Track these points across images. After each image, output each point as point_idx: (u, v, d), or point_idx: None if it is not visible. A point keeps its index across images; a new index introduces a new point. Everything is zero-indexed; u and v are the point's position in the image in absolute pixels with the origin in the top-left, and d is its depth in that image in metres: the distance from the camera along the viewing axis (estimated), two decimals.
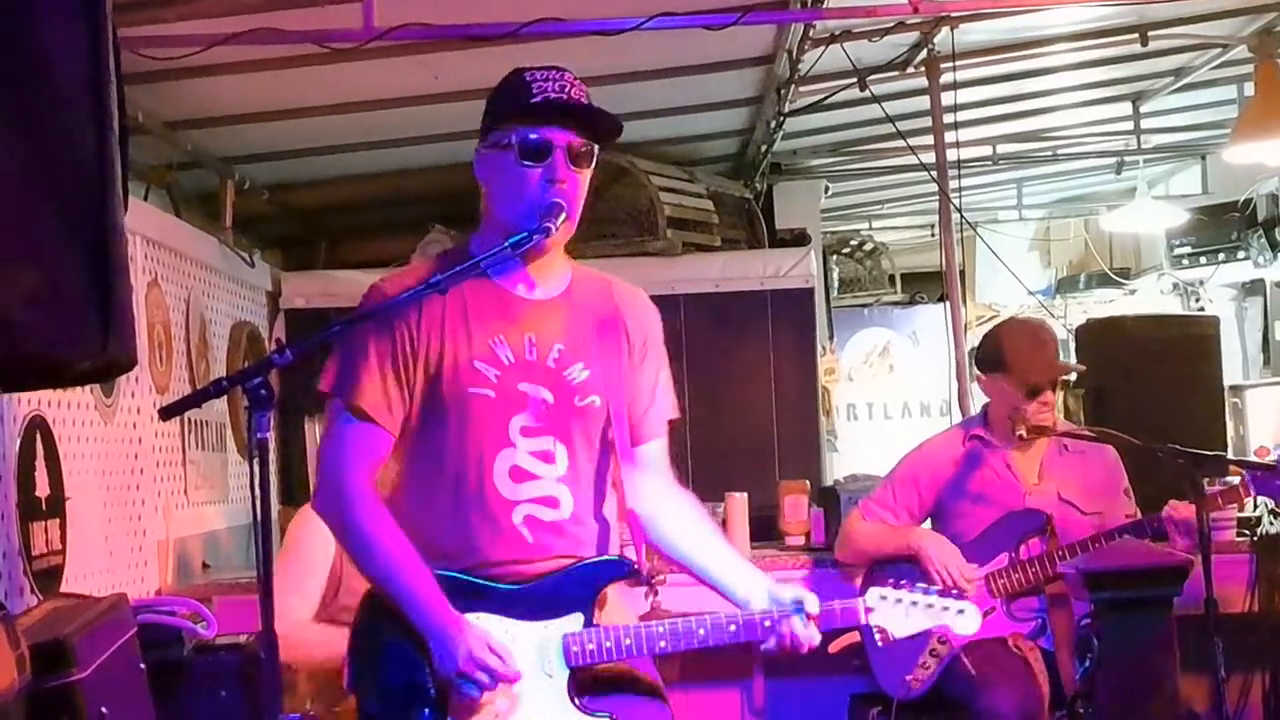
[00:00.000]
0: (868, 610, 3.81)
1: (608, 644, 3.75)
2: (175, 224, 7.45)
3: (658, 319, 4.07)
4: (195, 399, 3.59)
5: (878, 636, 5.91)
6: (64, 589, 5.36)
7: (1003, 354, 6.24)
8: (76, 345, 3.21)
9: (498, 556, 3.82)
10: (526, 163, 3.82)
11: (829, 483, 8.15)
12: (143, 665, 3.85)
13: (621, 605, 4.00)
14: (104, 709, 3.46)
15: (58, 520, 5.50)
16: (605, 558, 3.85)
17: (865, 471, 7.95)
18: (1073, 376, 6.16)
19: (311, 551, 5.27)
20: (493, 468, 3.82)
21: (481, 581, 3.80)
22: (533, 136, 3.81)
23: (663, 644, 3.75)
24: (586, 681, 3.81)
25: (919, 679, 5.96)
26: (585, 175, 3.88)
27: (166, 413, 3.55)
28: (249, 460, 3.32)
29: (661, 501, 3.97)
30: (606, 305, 3.99)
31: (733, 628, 3.73)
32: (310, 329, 8.50)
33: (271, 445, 3.31)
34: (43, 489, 5.40)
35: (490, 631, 3.73)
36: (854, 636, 6.14)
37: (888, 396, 12.72)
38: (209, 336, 7.68)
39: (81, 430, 5.88)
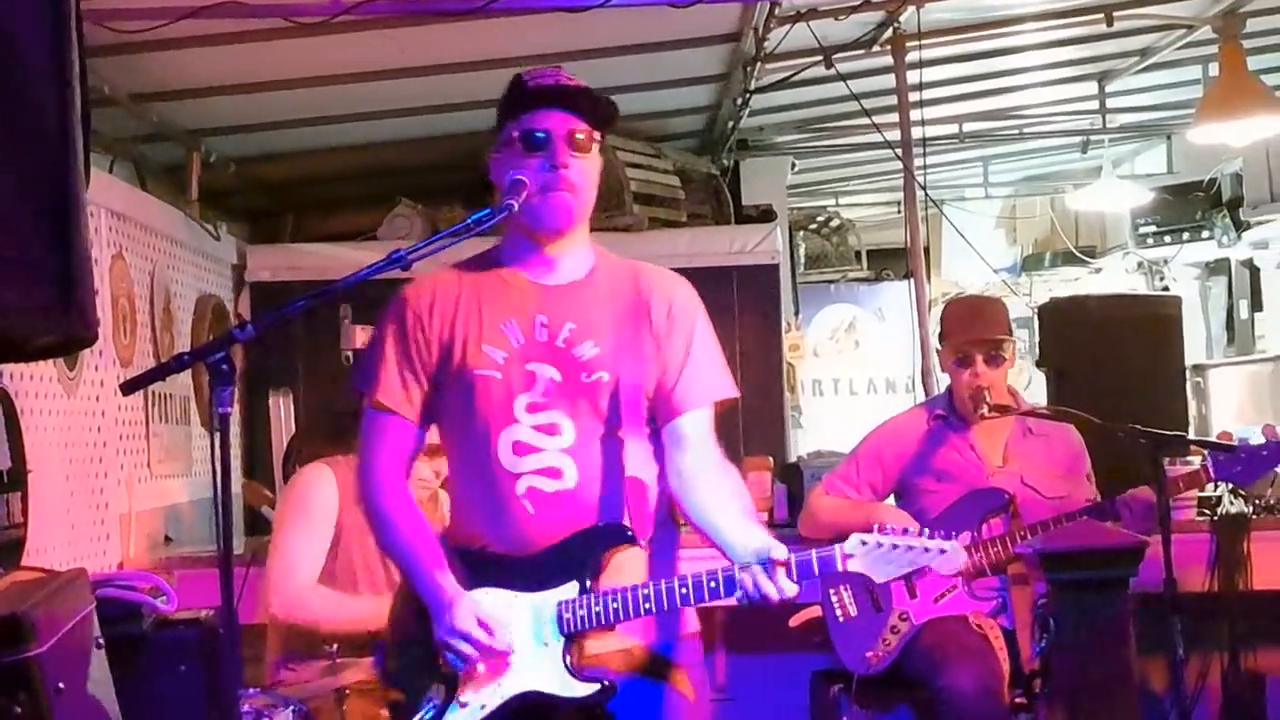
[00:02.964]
0: (846, 557, 3.74)
1: (597, 609, 3.77)
2: (140, 197, 7.44)
3: (689, 296, 4.06)
4: (157, 373, 3.60)
5: (837, 611, 5.98)
6: (25, 562, 5.35)
7: (943, 325, 6.41)
8: (37, 319, 3.21)
9: (503, 529, 3.89)
10: (530, 152, 3.87)
11: (793, 459, 8.17)
12: (101, 640, 3.83)
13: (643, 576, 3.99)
14: (61, 684, 3.45)
15: (19, 493, 5.49)
16: (602, 525, 3.85)
17: (830, 448, 7.96)
18: (1007, 350, 6.10)
19: (314, 514, 5.35)
20: (497, 443, 3.88)
21: (490, 555, 3.89)
22: (532, 125, 3.88)
23: (648, 606, 3.75)
24: (587, 653, 3.84)
25: (880, 655, 5.96)
26: (589, 160, 3.93)
27: (129, 387, 3.55)
28: (211, 434, 3.31)
29: (690, 476, 3.94)
30: (629, 287, 4.01)
31: (713, 584, 3.69)
32: (275, 302, 8.52)
33: (235, 419, 3.33)
34: (4, 462, 5.38)
35: (495, 604, 3.81)
36: (815, 612, 6.17)
37: (853, 373, 12.77)
38: (174, 309, 7.67)
39: (44, 403, 5.88)
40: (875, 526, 3.76)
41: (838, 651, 6.12)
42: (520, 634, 3.81)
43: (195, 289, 8.16)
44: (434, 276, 4.00)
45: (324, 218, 9.61)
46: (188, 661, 4.29)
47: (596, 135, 3.95)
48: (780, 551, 3.65)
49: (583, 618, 3.79)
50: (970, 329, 6.22)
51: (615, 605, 3.77)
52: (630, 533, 3.86)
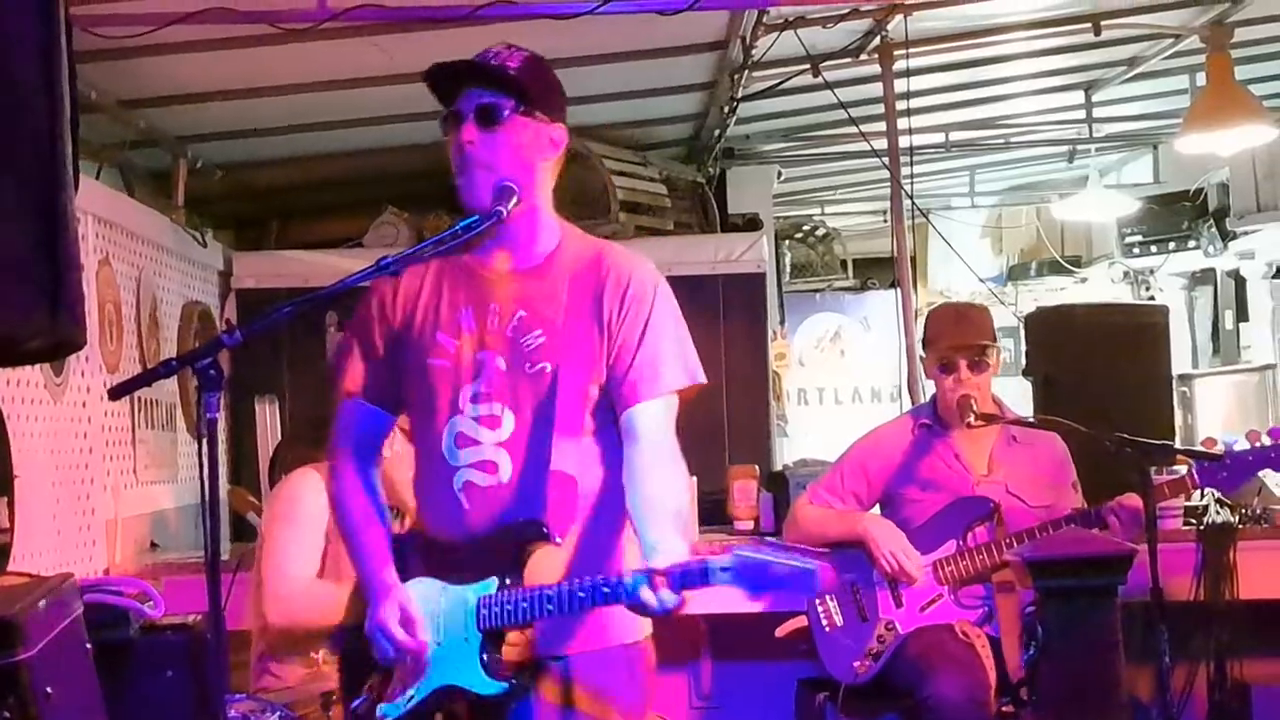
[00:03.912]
0: (723, 570, 3.48)
1: (509, 607, 3.74)
2: (127, 203, 7.44)
3: (650, 284, 3.94)
4: (144, 379, 3.60)
5: (823, 621, 5.98)
6: (11, 568, 5.34)
7: (926, 331, 6.41)
8: (25, 324, 3.20)
9: (441, 520, 3.90)
10: (447, 134, 3.88)
11: (779, 468, 8.17)
12: (89, 645, 3.83)
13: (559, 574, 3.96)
14: (49, 689, 3.44)
15: (5, 498, 5.47)
16: (521, 521, 3.80)
17: (815, 457, 7.97)
18: (991, 356, 6.10)
19: (302, 518, 5.35)
20: (443, 434, 3.87)
21: (430, 544, 3.92)
22: (447, 106, 3.89)
23: (549, 607, 3.69)
24: (502, 649, 3.81)
25: (866, 665, 5.97)
26: (503, 134, 3.85)
27: (115, 392, 3.56)
28: (198, 440, 3.31)
29: (632, 470, 3.84)
30: (589, 271, 3.94)
31: (606, 590, 3.61)
32: (261, 309, 8.51)
33: (221, 426, 3.33)
34: None
35: (424, 596, 3.83)
36: (801, 621, 6.17)
37: (838, 382, 12.77)
38: (160, 316, 7.66)
39: (31, 409, 5.87)
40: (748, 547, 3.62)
41: (824, 660, 6.11)
42: (446, 627, 3.81)
43: (181, 295, 8.15)
44: (409, 263, 3.90)
45: (310, 224, 9.58)
46: (174, 667, 4.29)
47: (513, 106, 3.85)
48: (664, 561, 3.55)
49: (497, 614, 3.76)
50: (954, 335, 6.23)
51: (525, 604, 3.72)
52: (545, 529, 3.79)
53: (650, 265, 4.03)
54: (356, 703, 3.91)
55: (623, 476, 3.86)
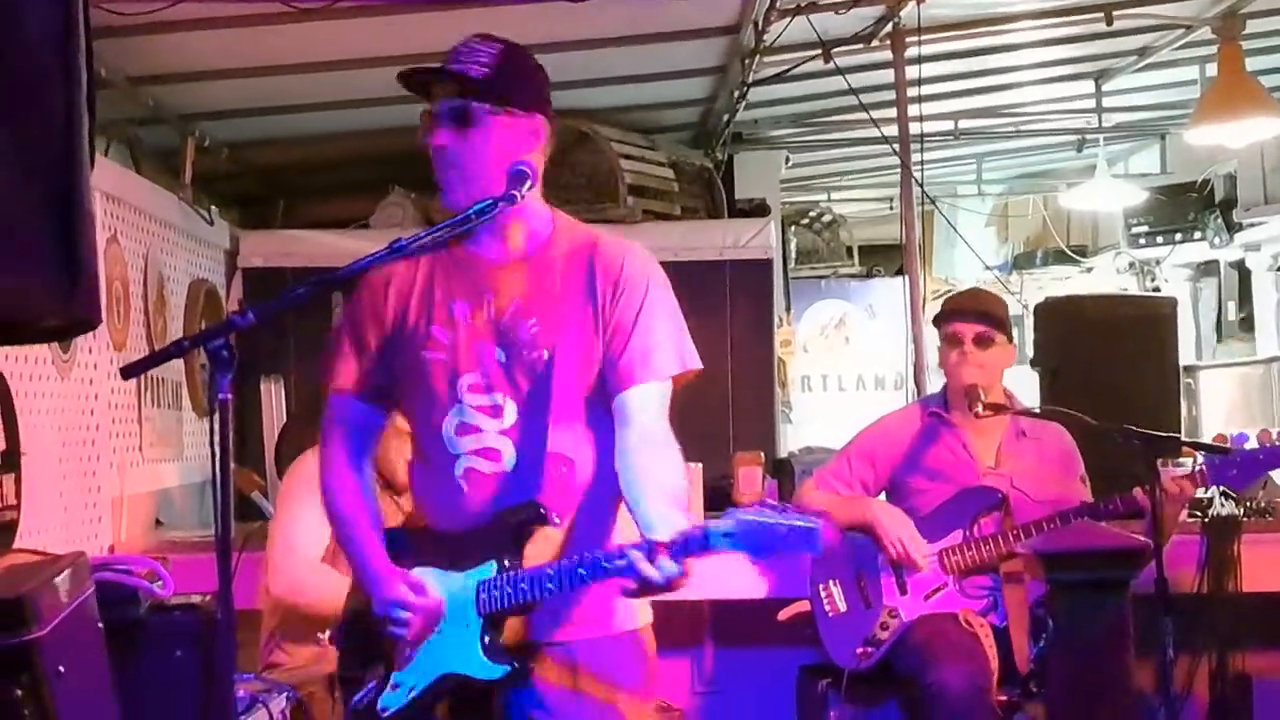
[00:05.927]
0: (724, 535, 3.44)
1: (509, 590, 3.72)
2: (135, 180, 7.44)
3: (644, 269, 3.94)
4: (157, 358, 3.59)
5: (826, 606, 5.98)
6: (17, 544, 5.35)
7: (939, 310, 6.42)
8: (40, 303, 3.19)
9: (442, 509, 3.89)
10: (425, 136, 3.86)
11: (783, 454, 8.17)
12: (100, 624, 3.83)
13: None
14: (61, 667, 3.45)
15: (13, 475, 5.49)
16: (519, 504, 3.79)
17: (820, 444, 7.97)
18: (999, 339, 6.09)
19: (317, 491, 5.33)
20: (443, 425, 3.86)
21: (428, 535, 3.90)
22: (425, 106, 3.87)
23: (550, 586, 3.67)
24: (503, 634, 3.79)
25: (868, 652, 5.97)
26: (476, 136, 3.83)
27: (128, 371, 3.54)
28: (210, 421, 3.29)
29: (626, 454, 3.82)
30: (582, 259, 3.92)
31: (605, 565, 3.56)
32: (267, 288, 8.54)
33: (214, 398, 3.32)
34: None
35: (424, 582, 3.80)
36: (804, 606, 6.17)
37: (842, 369, 12.76)
38: (166, 294, 7.66)
39: (38, 385, 5.87)
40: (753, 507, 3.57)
41: (826, 647, 6.11)
42: (447, 614, 3.80)
43: (188, 273, 8.16)
44: (423, 245, 3.85)
45: (316, 204, 9.59)
46: (183, 647, 4.29)
47: (485, 109, 3.82)
48: (664, 533, 3.52)
49: (497, 598, 3.74)
50: (960, 303, 6.30)
51: (524, 586, 3.71)
52: (544, 511, 3.78)
53: (644, 251, 4.02)
54: (359, 697, 3.89)
55: (615, 460, 3.84)
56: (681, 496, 3.79)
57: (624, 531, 3.85)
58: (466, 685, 3.79)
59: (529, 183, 3.79)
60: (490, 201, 3.75)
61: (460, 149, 3.83)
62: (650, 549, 3.50)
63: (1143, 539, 5.52)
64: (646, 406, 3.87)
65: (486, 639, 3.77)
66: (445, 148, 3.82)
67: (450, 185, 3.84)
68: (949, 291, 11.55)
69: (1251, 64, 8.48)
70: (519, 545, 3.79)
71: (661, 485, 3.74)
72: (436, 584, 3.81)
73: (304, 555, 5.33)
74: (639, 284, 3.92)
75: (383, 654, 3.87)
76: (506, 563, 3.76)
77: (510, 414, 3.84)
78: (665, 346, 3.92)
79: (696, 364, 3.98)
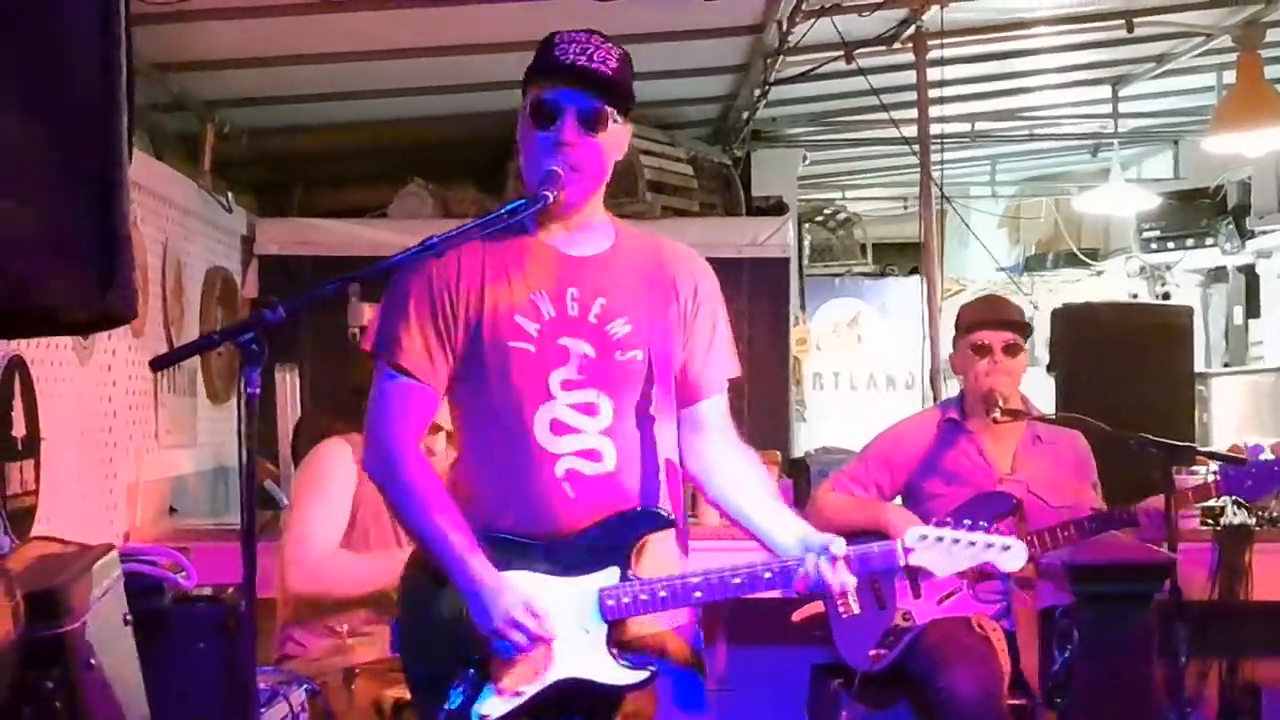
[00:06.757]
0: (907, 551, 3.74)
1: (643, 596, 3.72)
2: (156, 166, 7.43)
3: (710, 276, 4.00)
4: (188, 350, 3.63)
5: (840, 608, 5.99)
6: (35, 530, 5.35)
7: (959, 320, 6.39)
8: (79, 296, 3.17)
9: (536, 511, 3.78)
10: (539, 125, 3.80)
11: (799, 453, 8.17)
12: (129, 616, 3.83)
13: (676, 560, 3.98)
14: (92, 660, 3.45)
15: (33, 461, 5.50)
16: (640, 509, 3.79)
17: (833, 443, 7.97)
18: (1024, 346, 6.11)
19: (332, 488, 5.35)
20: (533, 421, 3.77)
21: (521, 538, 3.77)
22: (544, 99, 3.79)
23: (698, 594, 3.71)
24: (627, 639, 3.80)
25: (882, 654, 5.97)
26: (601, 139, 3.81)
27: (158, 363, 3.54)
28: (238, 416, 3.27)
29: (714, 459, 3.94)
30: (653, 262, 3.94)
31: (768, 575, 3.67)
32: (283, 276, 8.55)
33: (238, 393, 3.30)
34: (19, 429, 5.39)
35: (529, 588, 3.70)
36: (817, 607, 6.17)
37: (854, 367, 12.75)
38: (184, 281, 7.66)
39: (58, 371, 5.88)
40: (886, 525, 3.76)
41: (839, 647, 6.12)
42: (560, 620, 3.71)
43: (206, 260, 8.17)
44: (455, 244, 3.79)
45: (333, 193, 9.58)
46: (206, 639, 4.29)
47: (612, 114, 3.84)
48: (840, 547, 3.66)
49: (627, 604, 3.73)
50: (987, 312, 6.29)
51: (663, 594, 3.72)
52: (668, 516, 3.81)
53: (709, 266, 4.07)
54: (451, 700, 3.72)
55: (692, 467, 3.97)
56: (780, 496, 3.99)
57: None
58: (589, 689, 3.76)
59: (560, 185, 3.78)
60: (524, 201, 3.74)
61: (589, 148, 3.81)
62: (830, 558, 3.67)
63: (1167, 553, 5.53)
64: (723, 413, 4.01)
65: (613, 645, 3.76)
66: (573, 146, 3.78)
67: (570, 182, 3.78)
68: (960, 291, 11.57)
69: (1270, 73, 8.48)
70: (639, 550, 3.80)
71: (766, 489, 3.93)
72: (543, 590, 3.73)
73: (321, 546, 5.32)
74: (715, 294, 4.01)
75: (471, 656, 3.73)
76: (629, 569, 3.76)
77: (607, 413, 3.81)
78: (731, 354, 4.05)
79: (739, 368, 4.08)
